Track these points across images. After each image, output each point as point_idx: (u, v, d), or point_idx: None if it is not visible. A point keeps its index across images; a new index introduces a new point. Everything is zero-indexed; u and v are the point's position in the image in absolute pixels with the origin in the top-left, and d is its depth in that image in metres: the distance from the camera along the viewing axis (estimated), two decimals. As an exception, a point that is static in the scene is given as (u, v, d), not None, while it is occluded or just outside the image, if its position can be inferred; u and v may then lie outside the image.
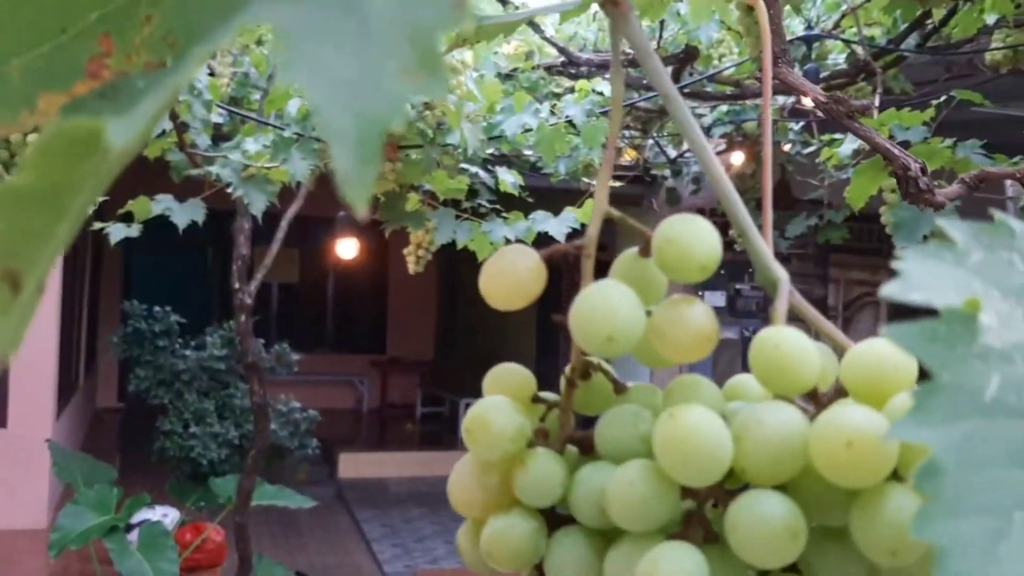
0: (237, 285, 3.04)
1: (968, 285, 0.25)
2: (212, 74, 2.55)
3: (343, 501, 5.35)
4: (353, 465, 5.87)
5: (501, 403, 0.35)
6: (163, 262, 7.52)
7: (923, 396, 0.22)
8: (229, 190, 2.10)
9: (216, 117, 2.32)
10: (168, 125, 2.12)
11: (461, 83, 1.74)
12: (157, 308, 4.35)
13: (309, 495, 3.53)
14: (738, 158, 2.76)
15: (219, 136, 2.31)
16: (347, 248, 2.92)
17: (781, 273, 0.35)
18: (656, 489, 0.32)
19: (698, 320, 0.33)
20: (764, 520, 0.29)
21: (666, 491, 0.32)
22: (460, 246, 2.04)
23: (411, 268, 2.10)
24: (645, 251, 0.36)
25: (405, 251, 2.11)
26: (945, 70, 2.49)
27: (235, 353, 3.98)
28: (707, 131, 2.83)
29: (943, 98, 1.86)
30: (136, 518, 3.24)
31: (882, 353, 0.31)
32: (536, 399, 0.37)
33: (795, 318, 0.35)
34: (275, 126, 2.05)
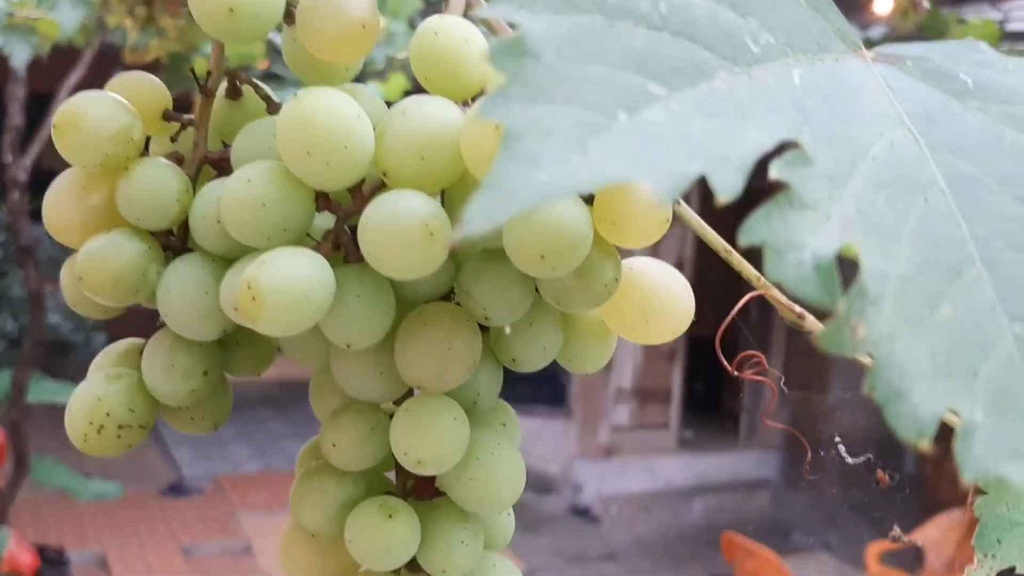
0: (10, 159, 2.74)
1: None
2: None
3: (141, 404, 5.09)
4: (153, 367, 5.57)
5: (102, 97, 0.28)
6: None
7: (527, -27, 0.18)
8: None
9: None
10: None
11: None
12: (-79, 187, 3.88)
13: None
14: None
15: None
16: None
17: (460, -35, 0.30)
18: (279, 191, 0.26)
19: (348, 3, 0.28)
20: (396, 215, 0.24)
21: (291, 193, 0.26)
22: (254, 117, 1.89)
23: (196, 136, 1.93)
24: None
25: (190, 118, 1.94)
26: None
27: (13, 239, 3.62)
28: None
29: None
30: None
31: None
32: (170, 116, 0.31)
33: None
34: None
